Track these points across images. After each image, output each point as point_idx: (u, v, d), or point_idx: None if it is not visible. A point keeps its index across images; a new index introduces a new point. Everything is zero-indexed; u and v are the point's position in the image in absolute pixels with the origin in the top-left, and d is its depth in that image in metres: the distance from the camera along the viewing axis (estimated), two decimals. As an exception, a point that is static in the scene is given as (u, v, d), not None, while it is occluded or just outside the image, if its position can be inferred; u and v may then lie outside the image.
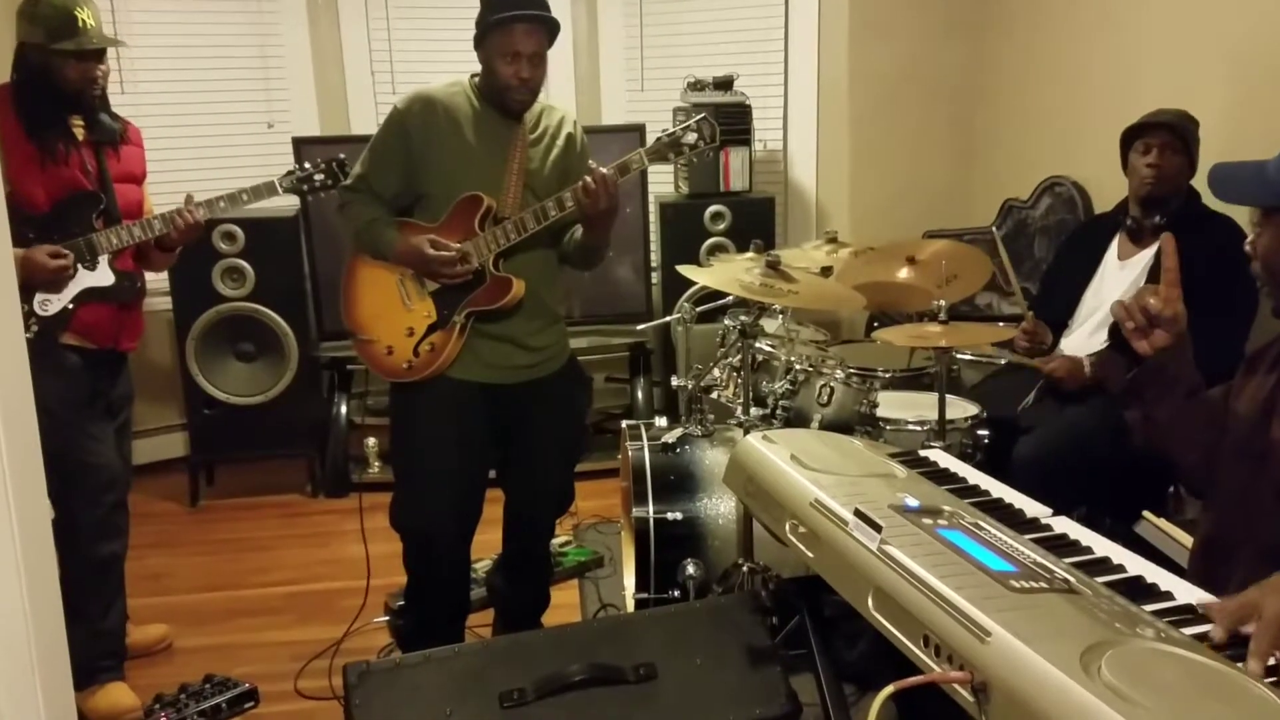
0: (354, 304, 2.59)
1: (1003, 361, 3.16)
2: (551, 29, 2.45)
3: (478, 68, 2.54)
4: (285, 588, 3.41)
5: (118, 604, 2.78)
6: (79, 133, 2.63)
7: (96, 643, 2.66)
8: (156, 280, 3.54)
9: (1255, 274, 1.66)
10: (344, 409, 4.20)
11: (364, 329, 2.57)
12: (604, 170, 2.40)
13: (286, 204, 3.94)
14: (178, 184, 3.37)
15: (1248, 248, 1.66)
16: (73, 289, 2.58)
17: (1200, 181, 2.85)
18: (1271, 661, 1.17)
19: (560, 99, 4.33)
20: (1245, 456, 1.62)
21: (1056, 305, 3.10)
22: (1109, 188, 3.20)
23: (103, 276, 2.63)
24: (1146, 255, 2.89)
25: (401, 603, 2.89)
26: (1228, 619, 1.24)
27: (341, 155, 2.79)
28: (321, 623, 3.10)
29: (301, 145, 4.01)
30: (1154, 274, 2.83)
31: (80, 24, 2.53)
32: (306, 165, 2.79)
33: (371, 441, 4.18)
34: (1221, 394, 1.76)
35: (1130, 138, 2.89)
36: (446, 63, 4.19)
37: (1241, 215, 2.75)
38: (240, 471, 4.31)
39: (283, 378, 4.06)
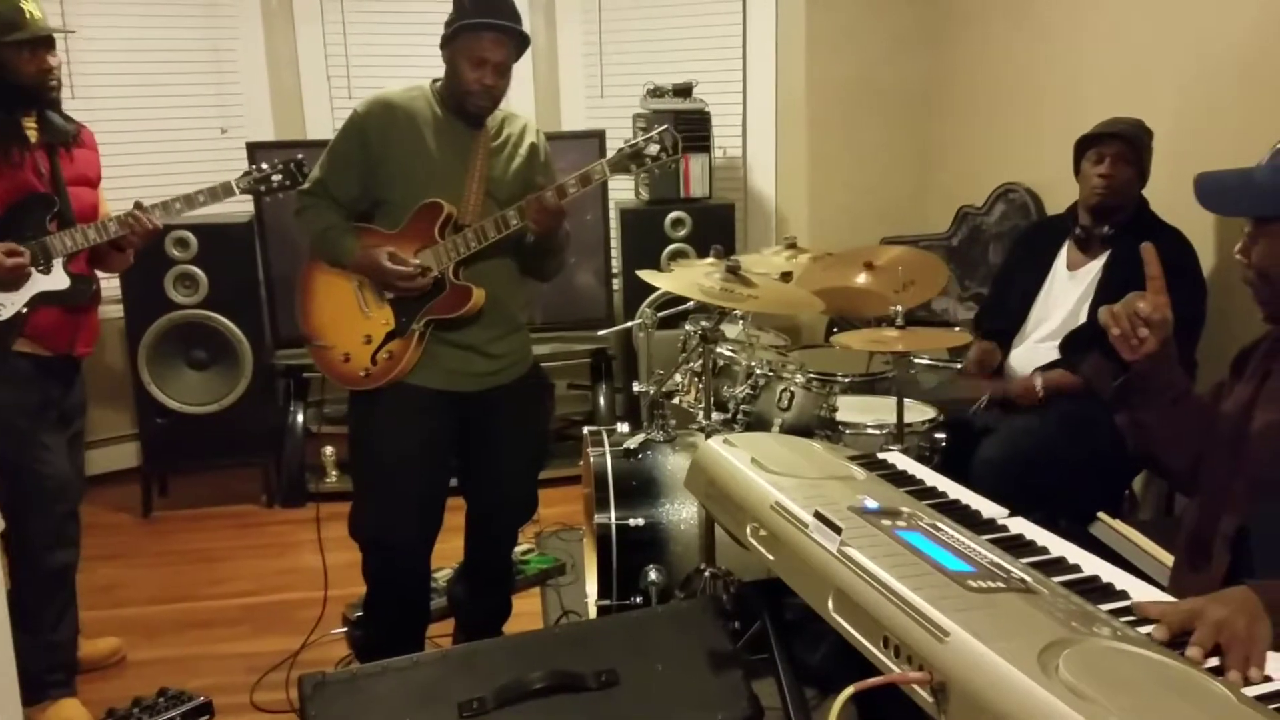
0: (310, 309, 2.56)
1: (958, 366, 3.19)
2: (521, 43, 2.44)
3: (434, 73, 2.53)
4: (241, 599, 3.36)
5: (69, 616, 2.71)
6: (32, 135, 2.58)
7: (47, 655, 2.61)
8: (108, 287, 3.46)
9: (1248, 282, 1.62)
10: (300, 417, 4.15)
11: (320, 335, 2.54)
12: (550, 199, 2.38)
13: (240, 209, 3.90)
14: (130, 189, 3.32)
15: (1238, 256, 1.63)
16: (26, 293, 2.53)
17: (1151, 191, 2.90)
18: (1214, 661, 1.19)
19: (519, 105, 4.32)
20: (1226, 452, 1.65)
21: (1006, 312, 3.13)
22: (1061, 193, 3.24)
23: (57, 280, 2.57)
24: (1095, 266, 2.92)
25: (360, 613, 2.86)
26: (1172, 622, 1.25)
27: (300, 155, 2.75)
28: (278, 634, 3.06)
29: (256, 150, 3.96)
30: (1102, 285, 2.87)
31: (27, 15, 2.50)
32: (264, 165, 2.75)
33: (329, 450, 4.13)
34: (1211, 395, 1.78)
35: (1084, 146, 2.92)
36: (403, 67, 4.15)
37: (1189, 226, 2.80)
38: (194, 482, 4.24)
39: (237, 386, 4.01)
